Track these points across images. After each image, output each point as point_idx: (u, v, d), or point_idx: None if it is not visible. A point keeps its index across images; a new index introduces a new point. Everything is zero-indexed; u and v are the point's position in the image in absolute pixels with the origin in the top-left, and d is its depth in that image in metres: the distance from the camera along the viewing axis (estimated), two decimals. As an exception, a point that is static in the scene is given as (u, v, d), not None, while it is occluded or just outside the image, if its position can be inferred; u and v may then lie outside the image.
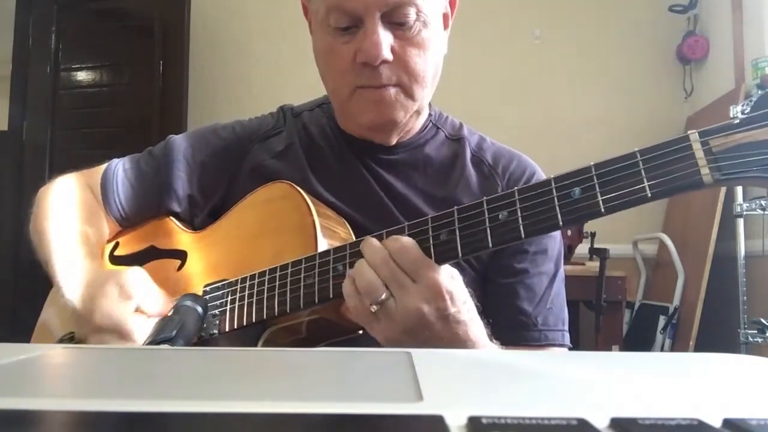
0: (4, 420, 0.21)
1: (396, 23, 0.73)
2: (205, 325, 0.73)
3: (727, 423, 0.22)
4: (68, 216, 0.87)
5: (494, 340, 0.68)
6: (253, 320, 0.71)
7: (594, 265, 2.07)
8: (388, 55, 0.72)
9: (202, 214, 0.88)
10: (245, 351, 0.54)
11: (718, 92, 2.62)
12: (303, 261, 0.69)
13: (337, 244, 0.71)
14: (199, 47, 2.94)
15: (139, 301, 0.74)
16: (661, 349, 2.40)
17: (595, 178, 0.55)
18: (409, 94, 0.76)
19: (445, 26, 0.80)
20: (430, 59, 0.76)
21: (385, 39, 0.72)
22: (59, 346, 0.44)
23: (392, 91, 0.74)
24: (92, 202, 0.89)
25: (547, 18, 2.94)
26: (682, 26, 2.85)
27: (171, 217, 0.89)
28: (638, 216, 2.73)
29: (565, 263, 0.87)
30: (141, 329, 0.71)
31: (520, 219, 0.58)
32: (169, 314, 0.64)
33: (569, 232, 1.92)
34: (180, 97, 2.78)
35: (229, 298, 0.74)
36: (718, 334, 2.34)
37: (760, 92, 2.17)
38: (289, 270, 0.69)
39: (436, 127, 0.88)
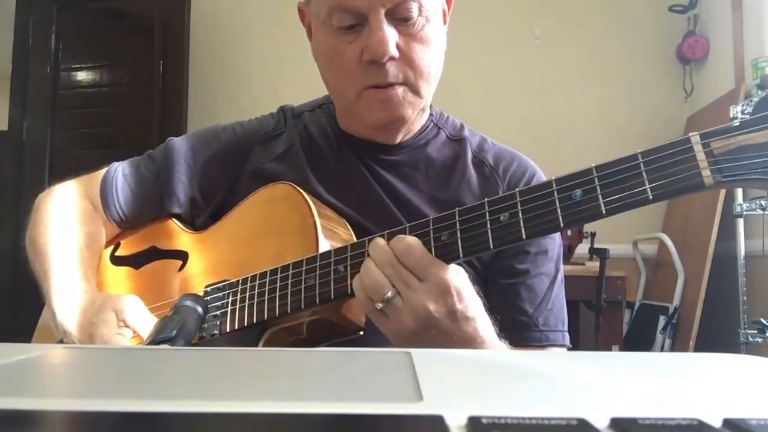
0: (4, 420, 0.21)
1: (399, 19, 0.72)
2: (205, 326, 0.73)
3: (727, 423, 0.22)
4: (65, 231, 0.86)
5: (503, 339, 0.68)
6: (254, 321, 0.71)
7: (594, 265, 2.07)
8: (394, 51, 0.72)
9: (204, 216, 0.88)
10: (245, 351, 0.54)
11: (718, 92, 2.62)
12: (304, 262, 0.69)
13: (338, 244, 0.71)
14: (199, 47, 2.94)
15: (137, 329, 0.76)
16: (661, 349, 2.40)
17: (596, 179, 0.55)
18: (416, 91, 0.76)
19: (444, 22, 0.80)
20: (434, 54, 0.76)
21: (391, 35, 0.72)
22: (59, 346, 0.44)
23: (399, 90, 0.74)
24: (90, 215, 0.89)
25: (548, 18, 2.94)
26: (682, 26, 2.85)
27: (172, 218, 0.89)
28: (638, 216, 2.73)
29: (565, 263, 0.87)
30: None
31: (521, 220, 0.58)
32: (169, 314, 0.64)
33: (569, 232, 1.93)
34: (180, 97, 2.78)
35: (230, 299, 0.74)
36: (718, 334, 2.34)
37: (761, 94, 2.17)
38: (290, 271, 0.69)
39: (437, 127, 0.87)
